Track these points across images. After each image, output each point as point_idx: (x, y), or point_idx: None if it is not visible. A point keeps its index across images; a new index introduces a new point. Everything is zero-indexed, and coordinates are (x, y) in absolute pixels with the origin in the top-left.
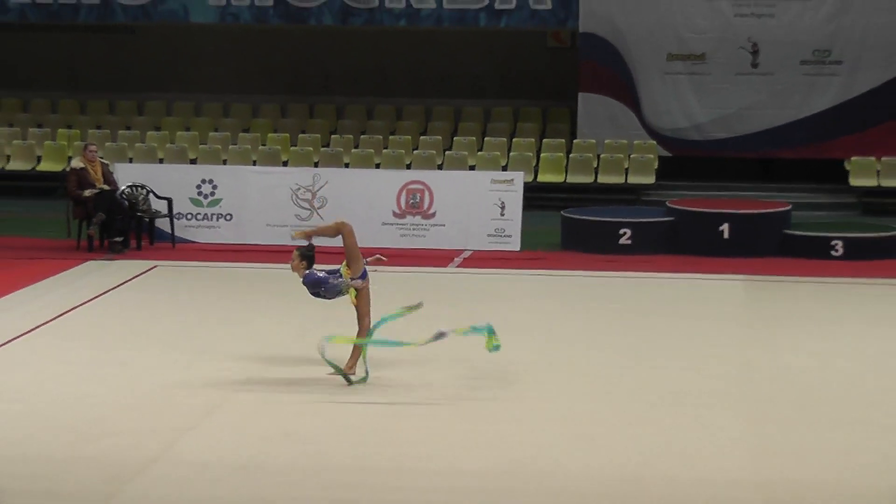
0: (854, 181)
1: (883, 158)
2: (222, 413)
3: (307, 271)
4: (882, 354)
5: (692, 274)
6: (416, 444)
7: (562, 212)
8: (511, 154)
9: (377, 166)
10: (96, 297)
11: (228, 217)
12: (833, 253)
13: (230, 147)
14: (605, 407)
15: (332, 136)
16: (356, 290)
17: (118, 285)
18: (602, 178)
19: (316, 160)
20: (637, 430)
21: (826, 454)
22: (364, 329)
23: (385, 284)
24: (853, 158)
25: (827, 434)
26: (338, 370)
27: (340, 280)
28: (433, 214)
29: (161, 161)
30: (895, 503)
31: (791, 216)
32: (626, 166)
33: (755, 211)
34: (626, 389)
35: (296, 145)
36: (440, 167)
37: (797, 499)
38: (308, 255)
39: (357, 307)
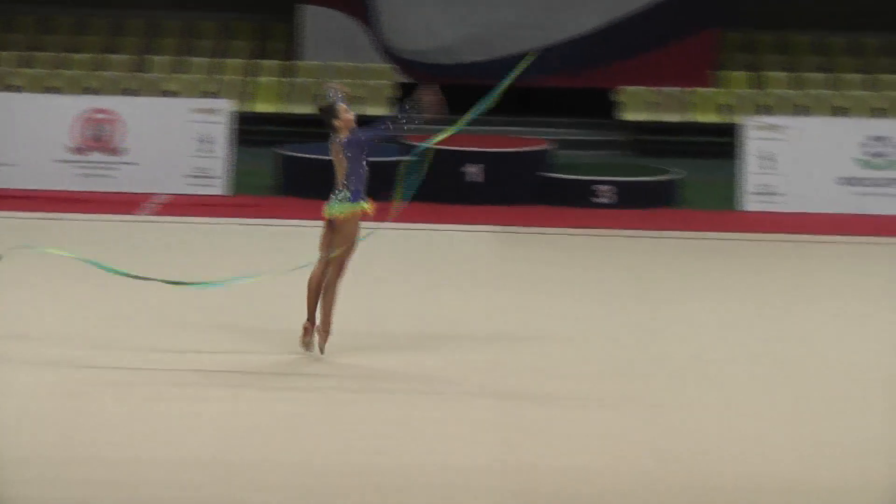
0: (625, 115)
1: (661, 89)
2: None
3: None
4: (656, 322)
5: (432, 224)
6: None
7: (276, 148)
8: (219, 78)
9: (52, 90)
10: None
11: None
12: (599, 199)
13: None
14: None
15: None
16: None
17: None
18: None
19: None
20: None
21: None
22: (336, 276)
23: (60, 234)
24: (625, 88)
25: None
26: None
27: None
28: (122, 150)
29: None
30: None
31: (550, 156)
32: (359, 95)
33: (507, 150)
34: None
35: None
36: (131, 92)
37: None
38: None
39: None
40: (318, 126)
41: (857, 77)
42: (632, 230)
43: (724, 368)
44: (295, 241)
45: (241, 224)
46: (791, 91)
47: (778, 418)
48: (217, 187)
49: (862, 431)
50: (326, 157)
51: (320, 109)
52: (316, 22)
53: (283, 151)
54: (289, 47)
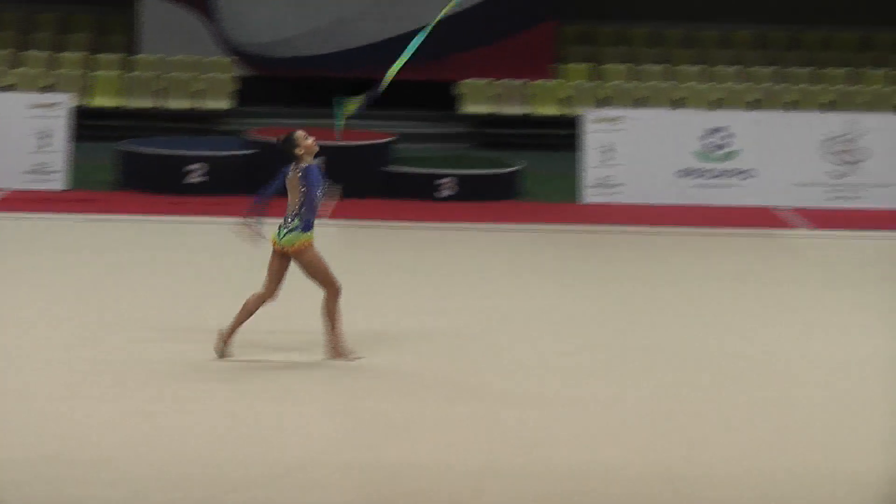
0: (466, 108)
1: (500, 81)
2: None
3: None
4: (502, 316)
5: (276, 218)
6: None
7: (117, 144)
8: (56, 72)
9: None
10: None
11: None
12: (442, 192)
13: None
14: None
15: None
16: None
17: None
18: (169, 103)
19: None
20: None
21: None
22: (331, 295)
23: None
24: (465, 81)
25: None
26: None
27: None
28: None
29: None
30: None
31: (393, 149)
32: (198, 88)
33: (350, 143)
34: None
35: None
36: None
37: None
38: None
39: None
40: (157, 120)
41: (694, 69)
42: (474, 223)
43: (575, 360)
44: (135, 234)
45: (80, 219)
46: (629, 83)
47: (630, 406)
48: (56, 182)
49: (712, 410)
50: (167, 152)
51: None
52: (154, 15)
53: (122, 147)
54: (128, 40)
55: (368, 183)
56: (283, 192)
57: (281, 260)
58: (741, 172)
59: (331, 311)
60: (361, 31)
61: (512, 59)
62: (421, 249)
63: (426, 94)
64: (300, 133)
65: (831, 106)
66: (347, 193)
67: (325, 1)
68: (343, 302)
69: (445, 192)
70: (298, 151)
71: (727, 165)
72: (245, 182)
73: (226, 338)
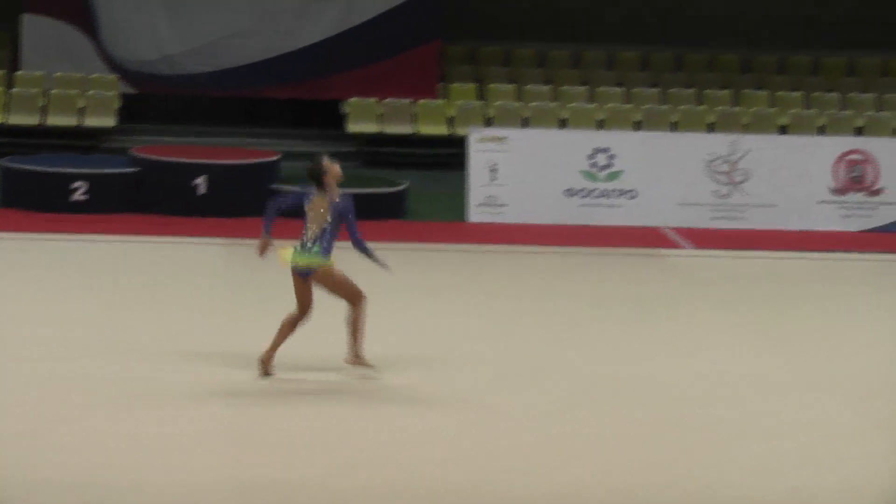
0: (352, 127)
1: (386, 100)
2: None
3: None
4: (391, 334)
5: (161, 237)
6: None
7: (0, 161)
8: None
9: None
10: None
11: None
12: None
13: None
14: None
15: None
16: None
17: None
18: (52, 120)
19: None
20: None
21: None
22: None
23: None
24: (351, 100)
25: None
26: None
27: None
28: None
29: None
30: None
31: (280, 168)
32: (82, 105)
33: (237, 162)
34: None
35: None
36: None
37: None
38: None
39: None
40: (40, 137)
41: (579, 89)
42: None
43: (461, 372)
44: (17, 253)
45: None
46: (515, 103)
47: (516, 419)
48: None
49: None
50: (50, 170)
51: (308, 172)
52: (36, 31)
53: (5, 164)
54: (10, 56)
55: (253, 201)
56: (293, 213)
57: (303, 281)
58: (626, 192)
59: (356, 321)
60: (245, 50)
61: (398, 79)
62: None
63: (312, 113)
64: (326, 161)
65: (714, 127)
66: (233, 212)
67: (209, 18)
68: (235, 323)
69: None
70: (327, 180)
71: (612, 185)
72: (129, 200)
73: (266, 360)
